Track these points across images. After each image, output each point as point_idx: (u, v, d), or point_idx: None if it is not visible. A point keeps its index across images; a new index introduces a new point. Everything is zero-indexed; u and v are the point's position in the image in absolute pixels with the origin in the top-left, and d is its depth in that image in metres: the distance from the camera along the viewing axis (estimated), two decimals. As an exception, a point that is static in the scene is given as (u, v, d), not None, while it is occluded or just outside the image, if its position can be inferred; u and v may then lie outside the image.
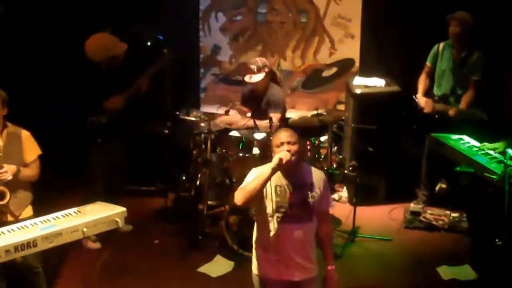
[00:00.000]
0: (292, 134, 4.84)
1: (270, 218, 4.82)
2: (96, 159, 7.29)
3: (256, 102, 7.85)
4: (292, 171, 4.81)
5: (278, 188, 4.81)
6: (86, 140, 7.24)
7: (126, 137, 7.51)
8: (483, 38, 7.74)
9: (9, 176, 5.58)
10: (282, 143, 4.77)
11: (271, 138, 7.18)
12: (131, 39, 8.07)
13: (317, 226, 4.98)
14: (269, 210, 4.82)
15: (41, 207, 5.79)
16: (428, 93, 7.84)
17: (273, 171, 4.68)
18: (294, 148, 4.76)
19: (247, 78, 7.77)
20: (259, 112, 7.75)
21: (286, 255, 4.84)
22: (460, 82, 7.66)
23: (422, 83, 7.89)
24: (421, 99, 7.74)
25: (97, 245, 7.30)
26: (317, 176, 4.92)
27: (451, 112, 7.50)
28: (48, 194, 7.32)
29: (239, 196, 4.75)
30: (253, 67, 7.70)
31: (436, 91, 7.83)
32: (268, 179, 4.69)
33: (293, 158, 4.72)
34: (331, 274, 5.01)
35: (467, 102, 7.57)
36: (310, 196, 4.82)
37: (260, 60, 7.78)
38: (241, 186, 4.81)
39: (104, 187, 7.19)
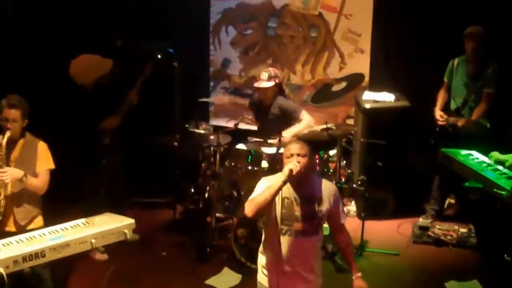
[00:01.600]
0: (303, 146, 4.83)
1: (276, 230, 4.83)
2: (93, 180, 7.30)
3: (264, 113, 7.83)
4: (302, 184, 4.81)
5: (286, 200, 4.80)
6: (88, 163, 7.26)
7: (129, 151, 7.53)
8: (497, 51, 7.75)
9: (7, 179, 5.57)
10: (292, 155, 4.78)
11: (280, 152, 7.24)
12: (142, 52, 8.13)
13: (334, 238, 5.04)
14: (275, 221, 4.82)
15: (51, 217, 5.80)
16: (446, 107, 7.87)
17: (284, 182, 4.68)
18: (303, 160, 4.76)
19: (256, 84, 7.77)
20: (266, 125, 7.75)
21: (291, 267, 4.83)
22: (473, 95, 7.68)
23: (440, 97, 7.96)
24: (436, 112, 7.80)
25: (104, 257, 7.30)
26: (328, 189, 4.91)
27: (459, 123, 7.55)
28: (58, 205, 7.35)
29: (249, 208, 4.75)
30: (265, 74, 7.67)
31: (451, 105, 7.86)
32: (279, 190, 4.69)
33: (302, 170, 4.72)
34: (359, 281, 4.99)
35: (479, 114, 7.60)
36: (317, 210, 4.82)
37: (273, 70, 7.78)
38: (251, 197, 4.82)
39: (110, 202, 7.21)
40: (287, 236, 4.79)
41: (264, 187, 4.77)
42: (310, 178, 4.89)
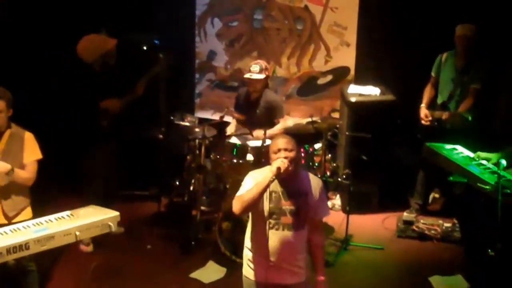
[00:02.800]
0: (290, 141, 4.83)
1: (263, 224, 4.83)
2: (95, 162, 7.30)
3: (251, 107, 7.83)
4: (289, 178, 4.81)
5: (274, 195, 4.81)
6: (86, 143, 7.24)
7: (123, 141, 7.52)
8: (486, 47, 7.77)
9: None
10: (279, 150, 4.77)
11: (265, 144, 7.23)
12: (127, 43, 8.08)
13: (308, 235, 4.99)
14: (262, 215, 4.82)
15: (40, 209, 5.77)
16: (432, 103, 7.88)
17: (271, 181, 4.67)
18: (291, 155, 4.76)
19: (247, 75, 7.75)
20: (253, 119, 7.75)
21: (276, 260, 4.84)
22: (459, 90, 7.69)
23: (426, 93, 7.97)
24: (422, 110, 7.81)
25: (89, 248, 7.28)
26: (314, 183, 4.92)
27: (444, 116, 7.58)
28: (47, 196, 7.35)
29: (237, 206, 4.75)
30: (256, 66, 7.69)
31: (438, 99, 7.88)
32: (267, 188, 4.69)
33: (290, 166, 4.72)
34: (321, 285, 5.00)
35: (464, 108, 7.61)
36: (304, 204, 4.82)
37: (263, 62, 7.80)
38: (238, 192, 4.82)
39: (102, 191, 7.20)
40: (275, 230, 4.80)
41: (252, 183, 4.77)
42: (297, 173, 4.88)
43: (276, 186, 4.80)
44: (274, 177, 4.66)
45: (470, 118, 7.57)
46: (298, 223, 4.82)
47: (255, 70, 7.68)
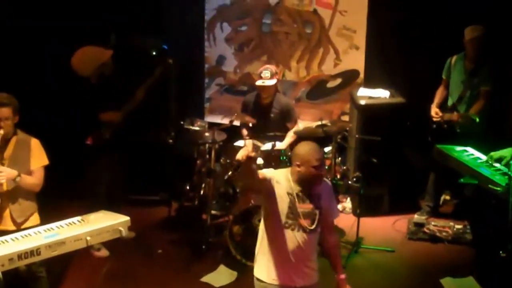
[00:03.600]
0: (321, 155, 4.90)
1: (277, 225, 4.84)
2: (99, 173, 7.32)
3: (264, 112, 7.83)
4: (305, 182, 4.83)
5: (290, 196, 4.82)
6: (88, 156, 7.26)
7: (128, 150, 7.54)
8: (495, 47, 7.76)
9: (3, 179, 5.55)
10: (314, 167, 4.78)
11: (275, 148, 7.24)
12: (136, 48, 8.11)
13: (323, 237, 5.02)
14: (277, 216, 4.83)
15: (47, 215, 5.79)
16: (444, 105, 7.90)
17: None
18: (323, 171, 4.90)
19: (259, 82, 7.75)
20: (268, 123, 7.75)
21: (289, 261, 4.85)
22: (469, 92, 7.68)
23: (438, 94, 7.98)
24: (432, 109, 7.82)
25: (104, 253, 7.31)
26: (325, 186, 4.96)
27: (453, 117, 7.55)
28: (54, 202, 7.37)
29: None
30: (267, 72, 7.71)
31: (448, 101, 7.87)
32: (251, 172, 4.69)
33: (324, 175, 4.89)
34: (343, 283, 5.05)
35: (475, 111, 7.58)
36: (317, 206, 4.85)
37: (273, 67, 7.83)
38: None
39: (107, 198, 7.20)
40: (290, 230, 4.82)
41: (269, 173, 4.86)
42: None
43: (291, 188, 4.82)
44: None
45: (477, 119, 7.54)
46: (312, 224, 4.84)
47: (266, 76, 7.69)
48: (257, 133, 7.83)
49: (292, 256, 4.84)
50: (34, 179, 5.78)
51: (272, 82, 7.70)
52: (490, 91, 7.60)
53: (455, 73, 7.81)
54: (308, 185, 4.83)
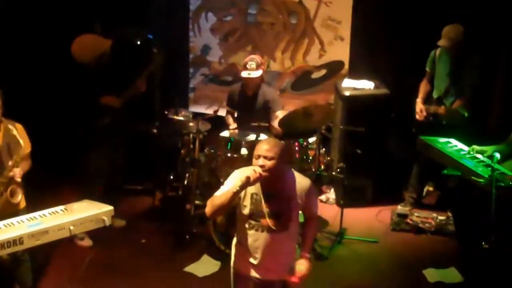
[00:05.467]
0: (272, 148, 4.73)
1: (246, 225, 4.84)
2: (97, 160, 7.31)
3: (250, 103, 7.82)
4: (270, 181, 4.75)
5: (255, 196, 4.79)
6: (89, 141, 7.25)
7: (126, 136, 7.54)
8: (481, 41, 7.78)
9: (18, 178, 5.62)
10: (259, 156, 4.71)
11: (260, 139, 7.23)
12: (121, 38, 8.07)
13: (305, 221, 5.07)
14: (244, 217, 4.83)
15: (33, 204, 5.78)
16: (428, 98, 7.89)
17: (241, 188, 4.64)
18: (269, 164, 4.68)
19: (245, 74, 7.69)
20: (253, 114, 7.73)
21: (260, 258, 4.87)
22: (455, 85, 7.67)
23: (422, 88, 7.95)
24: (417, 105, 7.80)
25: (87, 243, 7.29)
26: (301, 186, 4.87)
27: (440, 110, 7.56)
28: (41, 191, 7.35)
29: (208, 208, 4.78)
30: (252, 63, 7.66)
31: (434, 93, 7.87)
32: (235, 195, 4.65)
33: (264, 174, 4.65)
34: (306, 258, 5.02)
35: (460, 104, 7.58)
36: (285, 207, 4.80)
37: (258, 57, 7.79)
38: (216, 193, 4.80)
39: (105, 187, 7.19)
40: (254, 231, 4.81)
41: (232, 184, 4.73)
42: (280, 176, 4.82)
43: (257, 188, 4.79)
44: (243, 185, 4.63)
45: (466, 114, 7.54)
46: (278, 225, 4.80)
47: (252, 68, 7.65)
48: (242, 124, 7.81)
49: (260, 254, 4.85)
50: (27, 164, 5.83)
51: (258, 73, 7.67)
52: (476, 85, 7.60)
53: (440, 65, 7.81)
54: (264, 182, 4.75)
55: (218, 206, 4.68)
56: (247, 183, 4.62)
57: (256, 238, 4.82)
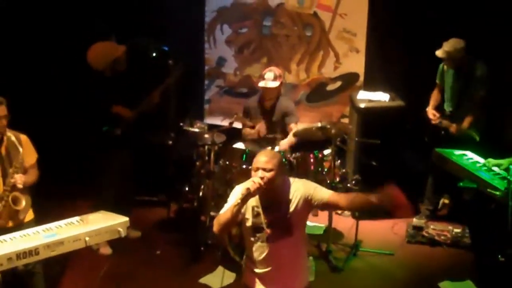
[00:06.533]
0: (271, 159, 4.68)
1: (251, 238, 4.81)
2: (107, 170, 7.34)
3: (267, 115, 7.82)
4: (267, 192, 4.70)
5: (255, 209, 4.76)
6: (99, 149, 7.28)
7: (137, 148, 7.57)
8: (486, 50, 7.77)
9: (20, 184, 5.61)
10: (257, 168, 4.67)
11: (277, 151, 7.23)
12: (136, 50, 8.12)
13: (343, 206, 5.00)
14: (248, 230, 4.81)
15: (44, 214, 5.79)
16: (439, 108, 7.90)
17: (242, 201, 4.60)
18: (268, 175, 4.63)
19: (262, 84, 7.71)
20: (270, 126, 7.74)
21: (270, 271, 4.82)
22: (464, 99, 7.67)
23: (433, 97, 8.00)
24: (429, 111, 7.81)
25: (106, 251, 7.33)
26: (296, 188, 4.80)
27: (452, 129, 7.56)
28: (51, 201, 7.38)
29: (215, 226, 4.73)
30: (270, 74, 7.69)
31: (446, 107, 7.87)
32: (239, 208, 4.61)
33: (264, 186, 4.60)
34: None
35: (470, 121, 7.57)
36: (284, 214, 4.74)
37: (276, 69, 7.81)
38: (221, 211, 4.77)
39: (116, 198, 7.21)
40: (260, 243, 4.77)
41: (236, 197, 4.70)
42: (278, 186, 4.76)
43: (256, 201, 4.76)
44: (244, 198, 4.59)
45: (477, 138, 7.48)
46: (284, 232, 4.75)
47: (269, 78, 7.68)
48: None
49: (269, 266, 4.80)
50: (33, 176, 5.83)
51: (275, 84, 7.68)
52: (485, 96, 7.57)
53: (448, 79, 7.83)
54: (262, 193, 4.70)
55: (224, 223, 4.66)
56: (248, 194, 4.59)
57: (262, 251, 4.79)
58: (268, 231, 4.74)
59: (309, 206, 4.79)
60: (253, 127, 7.92)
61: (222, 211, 4.75)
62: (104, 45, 7.40)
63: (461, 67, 7.65)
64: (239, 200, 4.58)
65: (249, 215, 4.77)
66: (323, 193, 4.80)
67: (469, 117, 7.59)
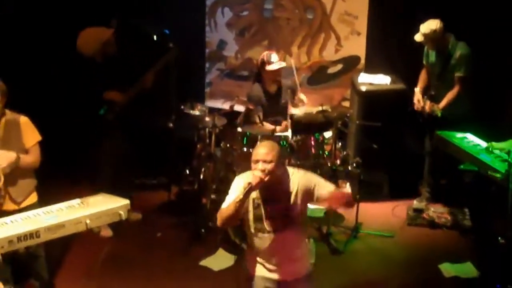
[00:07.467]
0: (270, 151, 4.68)
1: (252, 229, 4.84)
2: (102, 154, 7.35)
3: (275, 99, 7.82)
4: (269, 185, 4.71)
5: (256, 201, 4.78)
6: (94, 133, 7.29)
7: (134, 132, 7.56)
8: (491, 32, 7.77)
9: (3, 163, 5.53)
10: (258, 161, 4.67)
11: (276, 135, 7.24)
12: (137, 33, 8.11)
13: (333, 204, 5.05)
14: (250, 221, 4.83)
15: (46, 197, 5.79)
16: (427, 89, 7.90)
17: (244, 196, 4.61)
18: (269, 167, 4.63)
19: (275, 66, 7.65)
20: (279, 109, 7.73)
21: (272, 260, 4.87)
22: (444, 80, 7.66)
23: (421, 78, 7.98)
24: (415, 95, 7.81)
25: (107, 233, 7.36)
26: (295, 179, 4.81)
27: (426, 107, 7.56)
28: (53, 184, 7.38)
29: (219, 219, 4.76)
30: (275, 56, 7.68)
31: (431, 89, 7.85)
32: (243, 202, 4.63)
33: (266, 178, 4.61)
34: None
35: (448, 100, 7.55)
36: (284, 206, 4.77)
37: (275, 52, 7.82)
38: (222, 205, 4.78)
39: (114, 181, 7.22)
40: (261, 234, 4.81)
41: (235, 191, 4.73)
42: (278, 177, 4.76)
43: (257, 193, 4.76)
44: (247, 192, 4.61)
45: (439, 114, 7.48)
46: (285, 223, 4.77)
47: (276, 60, 7.66)
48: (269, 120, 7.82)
49: (270, 255, 4.85)
50: (32, 157, 5.76)
51: (283, 64, 7.71)
52: (464, 77, 7.53)
53: (431, 61, 7.84)
54: (263, 186, 4.69)
55: (227, 217, 4.68)
56: (250, 189, 4.61)
57: (264, 241, 4.82)
58: (269, 222, 4.77)
59: (309, 199, 4.84)
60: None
61: (224, 205, 4.77)
62: (91, 30, 7.35)
63: (442, 48, 7.64)
64: (241, 195, 4.60)
65: (250, 207, 4.80)
66: (324, 191, 4.81)
67: (446, 97, 7.58)
